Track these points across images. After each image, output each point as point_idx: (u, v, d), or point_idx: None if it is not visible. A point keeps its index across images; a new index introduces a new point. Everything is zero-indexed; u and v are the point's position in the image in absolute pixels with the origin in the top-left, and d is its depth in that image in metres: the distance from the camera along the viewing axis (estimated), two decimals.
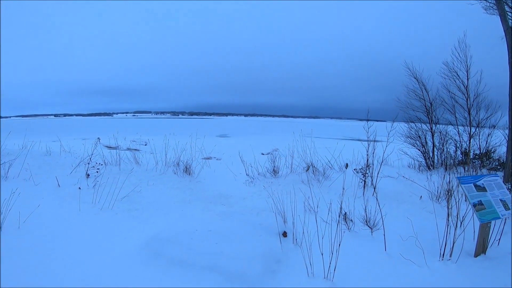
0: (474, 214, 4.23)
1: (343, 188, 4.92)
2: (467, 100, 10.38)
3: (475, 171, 8.90)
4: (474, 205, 4.21)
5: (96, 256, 3.66)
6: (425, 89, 10.77)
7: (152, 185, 6.10)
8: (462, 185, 4.34)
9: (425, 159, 10.13)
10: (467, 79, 10.37)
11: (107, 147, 9.16)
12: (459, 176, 4.84)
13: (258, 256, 3.70)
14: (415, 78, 10.86)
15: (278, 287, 3.27)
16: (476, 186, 4.44)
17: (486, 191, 4.47)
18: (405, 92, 10.92)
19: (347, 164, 7.59)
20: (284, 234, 4.40)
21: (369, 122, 6.68)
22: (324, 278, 3.34)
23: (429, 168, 9.52)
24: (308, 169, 7.21)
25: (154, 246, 3.80)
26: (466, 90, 10.37)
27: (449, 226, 4.06)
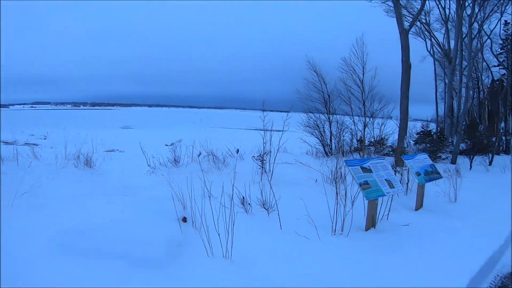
0: (361, 192, 4.91)
1: (235, 172, 5.33)
2: (362, 92, 11.82)
3: (370, 156, 10.08)
4: (360, 185, 4.89)
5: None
6: (324, 82, 12.00)
7: (53, 180, 5.98)
8: (349, 167, 5.02)
9: (323, 147, 11.19)
10: (363, 74, 11.84)
11: (4, 142, 8.51)
12: (347, 159, 5.54)
13: (160, 241, 3.91)
14: (315, 71, 11.99)
15: (180, 268, 3.49)
16: (362, 168, 5.14)
17: (372, 172, 5.20)
18: (305, 84, 12.09)
19: (238, 150, 8.10)
20: (184, 220, 4.67)
21: (270, 112, 7.25)
22: (223, 257, 3.64)
23: (327, 155, 10.52)
24: (206, 157, 7.58)
25: (60, 239, 3.83)
26: (362, 84, 11.83)
27: (338, 204, 4.66)
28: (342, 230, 4.67)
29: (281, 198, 5.21)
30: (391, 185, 5.32)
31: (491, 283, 4.57)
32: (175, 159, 7.73)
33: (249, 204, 5.21)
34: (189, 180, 5.27)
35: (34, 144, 10.14)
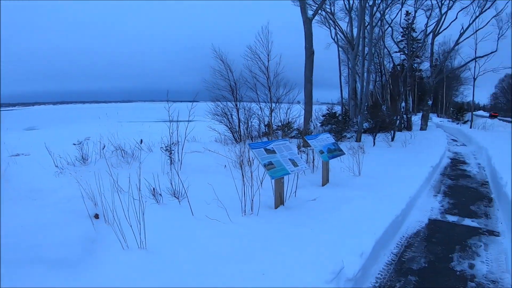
0: (266, 172, 5.27)
1: (140, 164, 5.41)
2: (267, 79, 12.31)
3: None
4: (265, 165, 5.23)
5: None
6: (230, 70, 12.23)
7: None
8: (253, 150, 5.34)
9: (232, 133, 11.54)
10: (268, 61, 12.34)
11: None
12: (251, 143, 5.89)
13: (75, 240, 3.92)
14: (221, 60, 12.18)
15: (97, 264, 3.53)
16: (266, 150, 5.50)
17: (276, 153, 5.57)
18: (212, 73, 12.26)
19: (141, 140, 8.16)
20: (96, 216, 4.67)
21: (179, 103, 7.37)
22: (138, 248, 3.74)
23: (236, 141, 10.87)
24: (114, 152, 7.53)
25: None
26: (267, 70, 12.32)
27: (246, 186, 4.97)
28: (252, 210, 4.98)
29: (191, 185, 5.42)
30: (295, 164, 5.74)
31: (398, 243, 5.26)
32: (83, 157, 7.57)
33: (160, 194, 5.31)
34: (98, 177, 5.27)
35: None
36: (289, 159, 5.77)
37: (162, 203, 5.21)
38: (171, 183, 5.42)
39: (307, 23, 13.72)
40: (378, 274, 4.36)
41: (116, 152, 7.70)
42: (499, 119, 56.38)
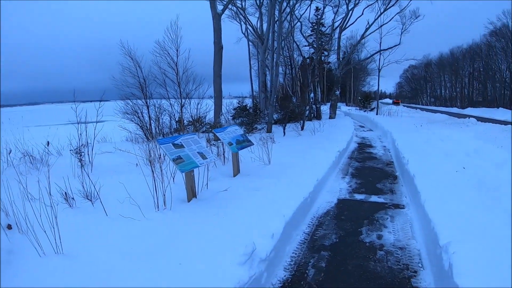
0: (175, 167, 5.47)
1: (48, 166, 5.34)
2: (177, 75, 12.35)
3: None
4: (174, 160, 5.42)
5: None
6: (139, 67, 12.11)
7: None
8: (161, 145, 5.51)
9: (143, 131, 11.50)
10: (177, 56, 12.37)
11: None
12: (158, 139, 6.02)
13: None
14: (129, 56, 12.02)
15: (15, 274, 3.45)
16: (174, 144, 5.68)
17: (184, 147, 5.79)
18: (121, 70, 12.07)
19: (48, 142, 7.94)
20: (9, 227, 4.50)
21: (89, 103, 7.24)
22: (55, 253, 3.72)
23: (148, 139, 10.87)
24: (22, 159, 7.28)
25: None
26: (176, 66, 12.35)
27: (157, 182, 5.14)
28: (165, 205, 5.14)
29: (104, 186, 5.46)
30: (204, 157, 6.00)
31: (309, 223, 5.74)
32: None
33: (72, 198, 5.27)
34: (7, 185, 5.11)
35: None
36: (198, 152, 5.99)
37: (76, 207, 5.17)
38: (83, 186, 5.41)
39: (216, 18, 13.97)
40: (293, 253, 4.73)
41: (24, 159, 7.41)
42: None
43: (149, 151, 5.58)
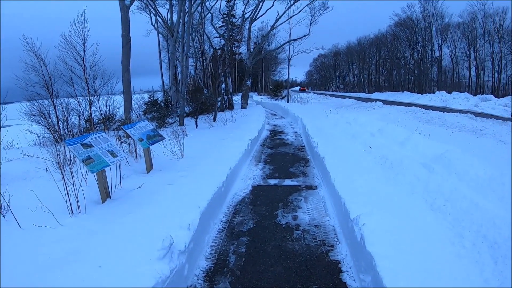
0: (85, 167, 5.42)
1: None
2: (84, 71, 11.85)
3: None
4: (83, 160, 5.37)
5: None
6: (44, 63, 11.41)
7: None
8: (69, 146, 5.41)
9: (52, 134, 11.01)
10: (84, 51, 11.82)
11: None
12: (66, 139, 5.89)
13: None
14: (33, 53, 11.30)
15: None
16: (83, 144, 5.61)
17: (93, 146, 5.75)
18: (24, 68, 11.26)
19: None
20: None
21: None
22: None
23: (57, 141, 10.47)
24: None
25: None
26: (83, 61, 11.82)
27: (68, 185, 5.04)
28: (79, 209, 5.09)
29: (14, 195, 5.19)
30: (114, 155, 6.00)
31: (225, 212, 6.06)
32: None
33: None
34: None
35: None
36: (108, 150, 5.96)
37: None
38: None
39: (124, 10, 13.73)
40: (212, 242, 5.00)
41: None
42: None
43: (57, 154, 5.48)
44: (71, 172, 5.37)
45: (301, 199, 6.53)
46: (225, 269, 4.32)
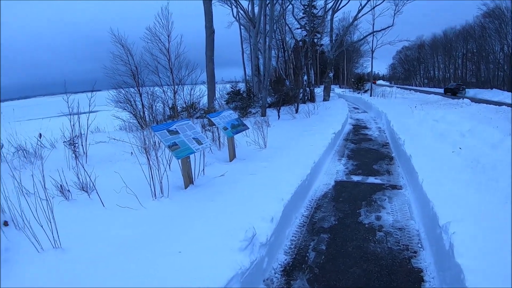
0: (171, 153, 5.42)
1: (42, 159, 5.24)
2: (169, 61, 12.14)
3: None
4: (169, 146, 5.35)
5: None
6: (130, 54, 11.89)
7: None
8: (156, 132, 5.43)
9: (137, 120, 11.38)
10: (169, 42, 12.12)
11: None
12: (153, 126, 5.91)
13: None
14: (120, 44, 11.78)
15: (12, 272, 3.39)
16: (169, 131, 5.61)
17: (179, 133, 5.71)
18: (112, 59, 11.82)
19: (40, 134, 7.84)
20: (5, 224, 4.46)
21: (81, 93, 7.13)
22: (53, 248, 3.65)
23: (142, 127, 10.77)
24: (15, 153, 7.21)
25: None
26: (168, 52, 12.11)
27: (153, 170, 5.05)
28: (162, 193, 5.10)
29: (100, 176, 5.37)
30: (199, 142, 5.94)
31: (307, 207, 5.71)
32: None
33: (68, 190, 5.17)
34: (1, 181, 4.98)
35: None
36: (193, 138, 5.93)
37: (72, 199, 5.08)
38: (78, 178, 5.32)
39: (207, 1, 13.80)
40: (292, 236, 4.71)
41: (17, 153, 7.31)
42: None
43: (144, 138, 5.49)
44: (157, 157, 5.33)
45: (385, 198, 6.04)
46: (303, 265, 4.06)
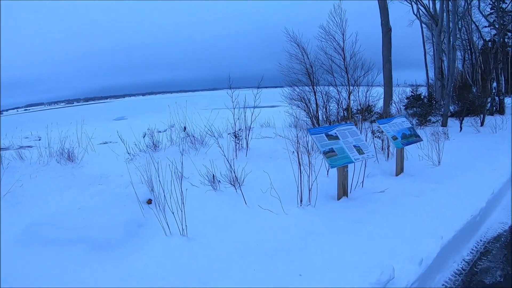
0: (325, 160, 4.63)
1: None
2: (344, 60, 11.25)
3: (356, 124, 9.80)
4: (325, 153, 4.57)
5: None
6: (305, 53, 11.35)
7: (35, 178, 5.93)
8: (312, 136, 4.73)
9: (311, 118, 10.87)
10: (343, 41, 11.19)
11: None
12: (309, 128, 5.22)
13: (121, 223, 4.00)
14: (295, 43, 11.32)
15: (136, 248, 3.61)
16: (328, 135, 4.83)
17: (339, 139, 4.87)
18: (287, 57, 11.40)
19: (184, 128, 8.13)
20: (149, 202, 4.63)
21: (263, 89, 7.32)
22: (180, 235, 3.68)
23: (314, 126, 10.27)
24: (184, 139, 7.50)
25: (31, 231, 3.99)
26: (343, 51, 11.21)
27: (303, 174, 4.42)
28: (309, 201, 4.42)
29: (253, 172, 5.16)
30: (360, 152, 4.97)
31: (472, 249, 4.18)
32: (154, 144, 7.53)
33: (218, 181, 5.06)
34: (164, 162, 5.17)
35: (28, 146, 10.02)
36: (354, 145, 5.01)
37: (219, 190, 4.95)
38: (230, 170, 5.07)
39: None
40: (442, 285, 3.42)
41: (186, 139, 7.57)
42: None
43: (297, 139, 4.85)
44: (309, 162, 4.59)
45: None
46: None
